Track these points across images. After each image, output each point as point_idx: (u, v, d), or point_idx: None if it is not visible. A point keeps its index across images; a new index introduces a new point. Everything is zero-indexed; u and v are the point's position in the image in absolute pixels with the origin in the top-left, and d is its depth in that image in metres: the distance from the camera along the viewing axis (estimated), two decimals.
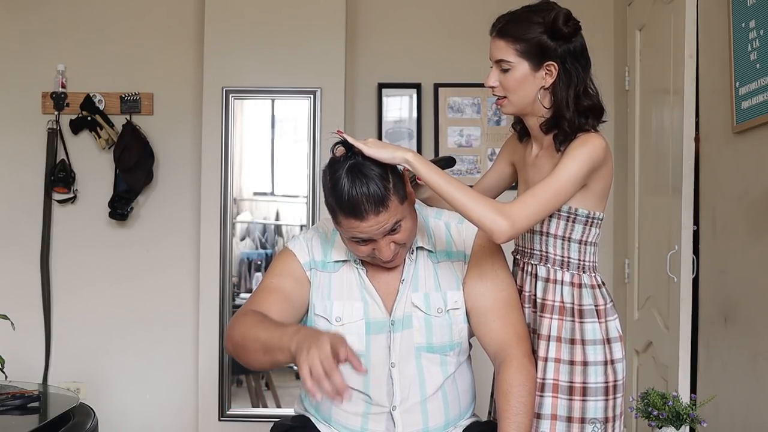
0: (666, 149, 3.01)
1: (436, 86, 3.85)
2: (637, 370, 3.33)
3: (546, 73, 1.91)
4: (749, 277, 2.50)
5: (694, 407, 2.07)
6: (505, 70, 1.92)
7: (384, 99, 3.87)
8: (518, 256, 2.09)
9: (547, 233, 1.97)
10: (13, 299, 3.68)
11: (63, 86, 3.81)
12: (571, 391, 1.94)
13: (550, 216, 1.95)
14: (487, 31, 1.95)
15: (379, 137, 3.79)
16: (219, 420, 3.64)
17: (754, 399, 2.47)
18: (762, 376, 2.42)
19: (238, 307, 3.65)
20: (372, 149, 1.78)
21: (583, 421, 1.94)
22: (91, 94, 3.79)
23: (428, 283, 1.96)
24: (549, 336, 1.96)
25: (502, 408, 1.86)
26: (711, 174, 2.79)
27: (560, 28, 1.87)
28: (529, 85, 1.92)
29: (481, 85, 4.21)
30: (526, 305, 2.02)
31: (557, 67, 1.90)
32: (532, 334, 2.00)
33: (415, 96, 3.86)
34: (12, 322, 2.71)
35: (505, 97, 1.96)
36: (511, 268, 2.09)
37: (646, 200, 3.30)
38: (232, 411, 3.68)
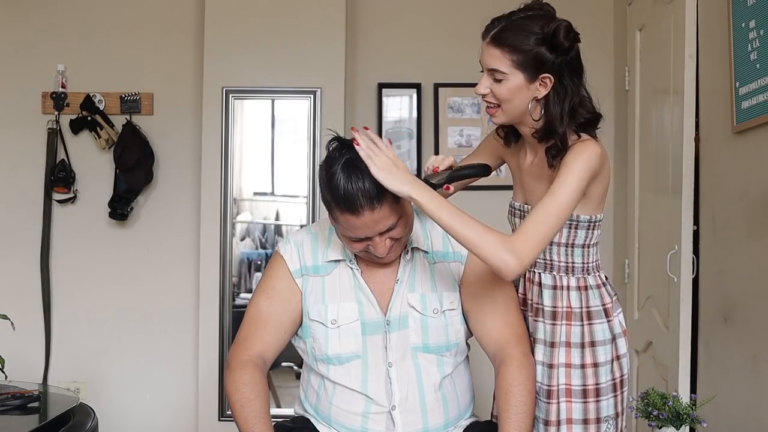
0: (666, 149, 3.00)
1: (436, 86, 3.85)
2: (637, 370, 3.32)
3: (540, 85, 1.83)
4: (749, 277, 2.50)
5: (694, 407, 2.07)
6: (498, 80, 1.84)
7: (384, 99, 3.87)
8: None
9: (551, 242, 1.92)
10: (13, 299, 3.68)
11: (63, 86, 3.80)
12: (584, 394, 1.94)
13: None
14: None
15: (379, 137, 3.77)
16: (219, 420, 3.63)
17: (754, 399, 2.47)
18: (762, 376, 2.42)
19: (239, 307, 3.66)
20: (380, 173, 1.75)
21: (598, 420, 1.95)
22: (91, 94, 3.79)
23: (424, 283, 1.96)
24: (559, 342, 1.95)
25: (502, 408, 1.87)
26: (711, 174, 2.79)
27: (561, 41, 1.79)
28: (523, 95, 1.84)
29: None
30: (530, 314, 2.01)
31: (553, 80, 1.82)
32: (533, 342, 1.99)
33: (415, 96, 3.85)
34: (12, 322, 2.71)
35: (498, 106, 1.89)
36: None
37: (646, 200, 3.29)
38: None
